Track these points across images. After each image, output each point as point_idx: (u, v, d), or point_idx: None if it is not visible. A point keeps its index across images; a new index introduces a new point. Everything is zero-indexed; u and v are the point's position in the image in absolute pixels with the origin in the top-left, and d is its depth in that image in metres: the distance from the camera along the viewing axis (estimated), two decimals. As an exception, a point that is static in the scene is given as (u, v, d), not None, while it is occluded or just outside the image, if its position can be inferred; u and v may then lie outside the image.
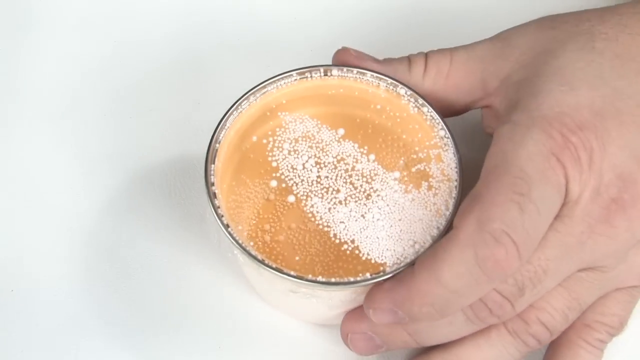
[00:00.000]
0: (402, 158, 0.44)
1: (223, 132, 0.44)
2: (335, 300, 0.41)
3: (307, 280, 0.39)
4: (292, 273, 0.40)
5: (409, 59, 0.45)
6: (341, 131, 0.45)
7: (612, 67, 0.41)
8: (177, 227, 0.49)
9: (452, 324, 0.40)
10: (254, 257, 0.40)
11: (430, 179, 0.43)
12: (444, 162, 0.43)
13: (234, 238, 0.41)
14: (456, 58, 0.44)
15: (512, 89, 0.42)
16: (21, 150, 0.53)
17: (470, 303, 0.39)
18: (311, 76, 0.46)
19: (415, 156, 0.44)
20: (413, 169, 0.44)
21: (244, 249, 0.40)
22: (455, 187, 0.42)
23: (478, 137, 0.46)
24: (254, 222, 0.43)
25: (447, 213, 0.42)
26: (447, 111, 0.45)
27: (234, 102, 0.45)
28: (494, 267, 0.37)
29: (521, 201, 0.37)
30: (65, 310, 0.47)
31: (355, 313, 0.42)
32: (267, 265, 0.40)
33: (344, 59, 0.46)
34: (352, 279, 0.39)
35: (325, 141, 0.45)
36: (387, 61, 0.46)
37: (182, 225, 0.49)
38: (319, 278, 0.40)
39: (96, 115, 0.54)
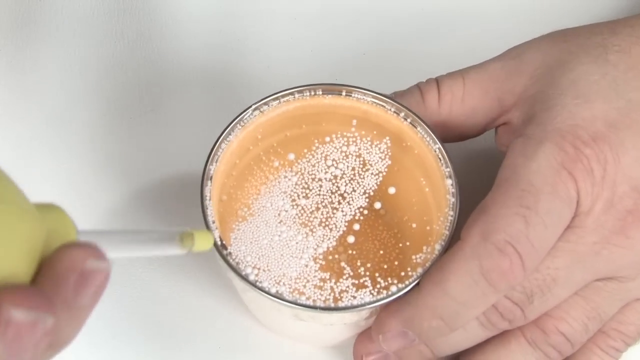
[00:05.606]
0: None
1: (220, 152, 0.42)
2: (342, 324, 0.41)
3: (311, 307, 0.39)
4: (297, 300, 0.39)
5: (419, 89, 0.44)
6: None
7: (626, 79, 0.41)
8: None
9: (466, 330, 0.41)
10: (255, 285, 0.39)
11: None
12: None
13: (229, 263, 0.40)
14: (469, 80, 0.44)
15: (528, 103, 0.42)
16: (21, 150, 0.52)
17: (479, 313, 0.39)
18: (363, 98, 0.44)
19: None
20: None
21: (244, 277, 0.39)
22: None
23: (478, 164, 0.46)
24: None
25: None
26: (466, 135, 0.45)
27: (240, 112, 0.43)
28: (498, 278, 0.38)
29: (527, 214, 0.38)
30: None
31: (367, 334, 0.42)
32: (268, 293, 0.39)
33: None
34: (357, 303, 0.40)
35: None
36: (398, 95, 0.45)
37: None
38: (326, 304, 0.40)
39: (95, 116, 0.53)
